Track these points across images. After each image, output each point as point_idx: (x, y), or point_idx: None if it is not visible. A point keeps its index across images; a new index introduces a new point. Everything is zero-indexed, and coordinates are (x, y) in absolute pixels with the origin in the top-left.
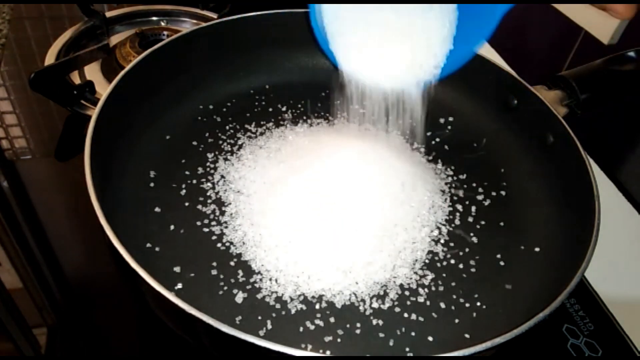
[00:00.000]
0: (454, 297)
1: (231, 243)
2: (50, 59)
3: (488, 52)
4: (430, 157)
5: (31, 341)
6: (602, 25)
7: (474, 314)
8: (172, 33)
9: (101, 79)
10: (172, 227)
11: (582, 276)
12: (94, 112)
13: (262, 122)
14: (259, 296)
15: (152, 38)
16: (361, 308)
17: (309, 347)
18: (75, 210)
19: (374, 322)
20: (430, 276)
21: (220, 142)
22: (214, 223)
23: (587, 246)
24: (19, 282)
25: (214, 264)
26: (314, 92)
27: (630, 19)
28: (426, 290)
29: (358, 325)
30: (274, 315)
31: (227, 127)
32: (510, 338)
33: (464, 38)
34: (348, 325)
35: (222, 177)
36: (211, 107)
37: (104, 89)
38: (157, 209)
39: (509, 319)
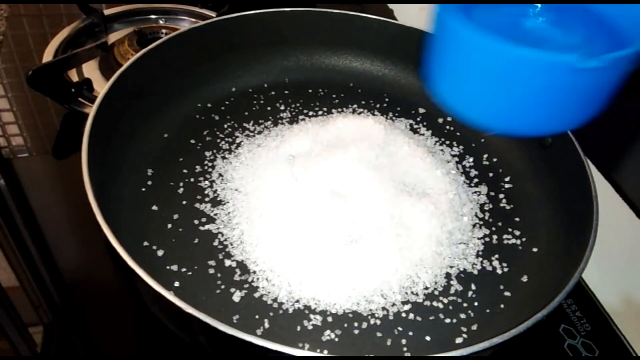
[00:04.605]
0: (452, 297)
1: (229, 242)
2: (47, 56)
3: None
4: (431, 158)
5: (27, 340)
6: None
7: (472, 314)
8: (170, 31)
9: (99, 76)
10: (169, 225)
11: (580, 277)
12: (92, 110)
13: (260, 121)
14: (257, 295)
15: (151, 36)
16: (359, 308)
17: (307, 346)
18: (73, 208)
19: (372, 321)
20: (428, 276)
21: (219, 140)
22: (211, 222)
23: (584, 247)
24: (15, 281)
25: (212, 262)
26: (312, 91)
27: None
28: (424, 290)
29: (355, 324)
30: (271, 314)
31: (226, 126)
32: (507, 338)
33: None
34: (345, 325)
35: (220, 175)
36: (209, 105)
37: (101, 87)
38: (154, 207)
39: (507, 319)
